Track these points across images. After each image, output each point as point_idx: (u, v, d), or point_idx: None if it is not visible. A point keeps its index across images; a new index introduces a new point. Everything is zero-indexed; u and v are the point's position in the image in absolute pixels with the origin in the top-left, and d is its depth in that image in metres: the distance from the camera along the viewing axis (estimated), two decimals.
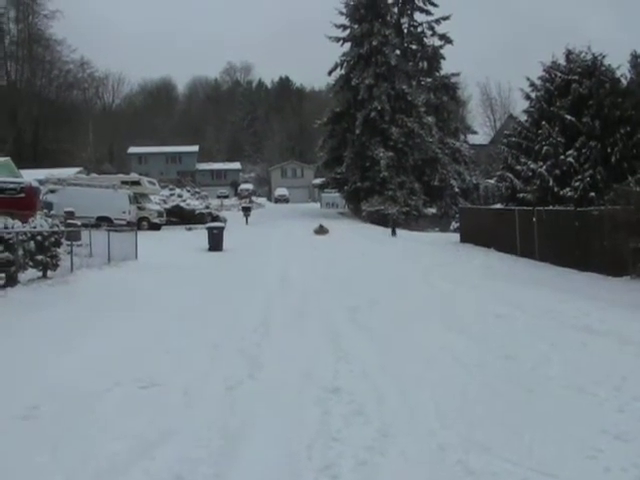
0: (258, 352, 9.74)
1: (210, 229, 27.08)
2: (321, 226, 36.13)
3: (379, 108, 48.13)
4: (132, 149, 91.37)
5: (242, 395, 7.64)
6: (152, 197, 38.91)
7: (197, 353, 9.58)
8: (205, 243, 26.50)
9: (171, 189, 48.01)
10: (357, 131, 48.74)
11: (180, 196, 44.72)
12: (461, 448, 5.83)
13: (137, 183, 36.95)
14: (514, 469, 5.32)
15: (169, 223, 36.82)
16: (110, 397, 7.41)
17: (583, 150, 24.71)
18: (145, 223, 34.03)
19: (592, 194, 23.57)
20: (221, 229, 26.99)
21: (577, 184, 24.36)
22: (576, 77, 26.02)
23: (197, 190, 57.15)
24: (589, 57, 26.68)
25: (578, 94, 25.61)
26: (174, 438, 6.18)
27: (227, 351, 9.75)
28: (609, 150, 24.19)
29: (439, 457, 5.67)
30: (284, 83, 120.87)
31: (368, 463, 5.53)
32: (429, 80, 53.35)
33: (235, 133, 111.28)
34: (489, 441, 5.95)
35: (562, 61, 27.46)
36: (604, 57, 26.55)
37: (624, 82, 27.22)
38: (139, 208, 34.78)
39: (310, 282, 17.94)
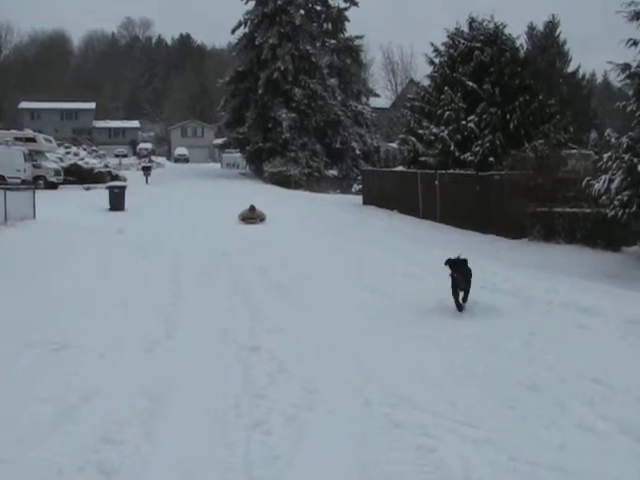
0: (172, 311, 9.66)
1: (111, 188, 26.30)
2: (252, 208, 23.55)
3: (282, 68, 47.73)
4: (23, 104, 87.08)
5: (161, 355, 7.58)
6: (48, 155, 37.29)
7: (110, 314, 9.40)
8: (105, 203, 25.75)
9: (67, 147, 46.17)
10: (260, 91, 48.23)
11: (77, 154, 43.10)
12: (386, 403, 5.99)
13: (32, 140, 35.34)
14: (440, 421, 5.52)
15: (66, 182, 35.37)
16: (23, 360, 7.19)
17: (484, 116, 25.34)
18: (41, 182, 32.49)
19: (491, 159, 24.29)
20: (123, 188, 26.27)
21: (477, 149, 25.00)
22: (478, 45, 26.53)
23: (94, 148, 55.28)
24: (491, 26, 27.27)
25: (480, 61, 26.17)
26: (96, 400, 6.07)
27: (141, 311, 9.62)
28: (508, 117, 24.92)
29: (366, 411, 5.82)
30: (185, 40, 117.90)
31: (298, 419, 5.62)
32: (333, 42, 53.07)
33: (133, 91, 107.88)
34: (413, 395, 6.14)
35: (465, 28, 27.94)
36: (505, 26, 27.24)
37: (522, 52, 28.06)
38: (35, 166, 33.26)
39: (216, 239, 17.91)
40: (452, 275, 9.71)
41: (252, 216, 23.19)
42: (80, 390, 6.27)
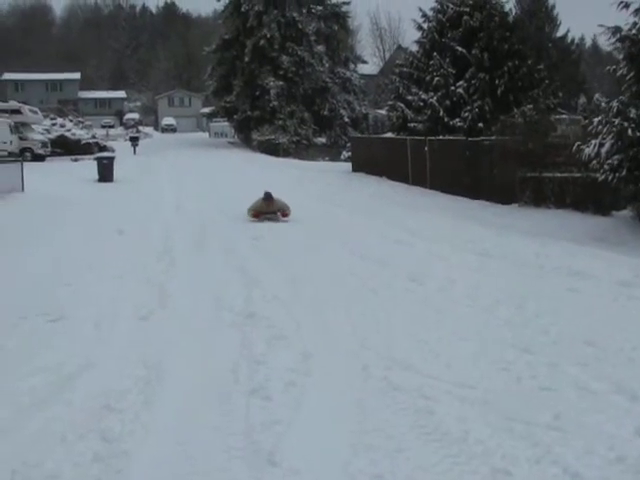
0: (165, 280, 9.65)
1: (100, 159, 26.10)
2: (268, 197, 16.32)
3: (269, 36, 47.28)
4: (7, 75, 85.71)
5: (156, 324, 7.59)
6: (35, 127, 36.94)
7: (102, 284, 9.38)
8: (94, 174, 25.57)
9: (53, 118, 45.67)
10: (246, 59, 47.80)
11: (63, 126, 42.72)
12: (383, 366, 6.05)
13: (18, 112, 34.93)
14: (436, 383, 5.59)
15: (54, 154, 35.12)
16: (19, 332, 7.22)
17: (472, 81, 25.26)
18: (28, 154, 32.20)
19: (480, 124, 24.25)
20: (111, 159, 26.07)
21: (466, 115, 24.97)
22: (467, 9, 26.33)
23: (80, 119, 54.69)
24: None
25: (469, 26, 26.00)
26: (93, 370, 6.09)
27: (133, 281, 9.61)
28: (497, 82, 24.87)
29: (363, 375, 5.87)
30: (170, 8, 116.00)
31: (297, 384, 5.66)
32: (320, 8, 52.45)
33: (119, 60, 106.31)
34: (408, 359, 6.20)
35: None
36: None
37: (511, 17, 27.91)
38: (21, 138, 32.99)
39: (206, 210, 17.85)
40: None
41: (269, 209, 16.28)
42: (77, 360, 6.29)
